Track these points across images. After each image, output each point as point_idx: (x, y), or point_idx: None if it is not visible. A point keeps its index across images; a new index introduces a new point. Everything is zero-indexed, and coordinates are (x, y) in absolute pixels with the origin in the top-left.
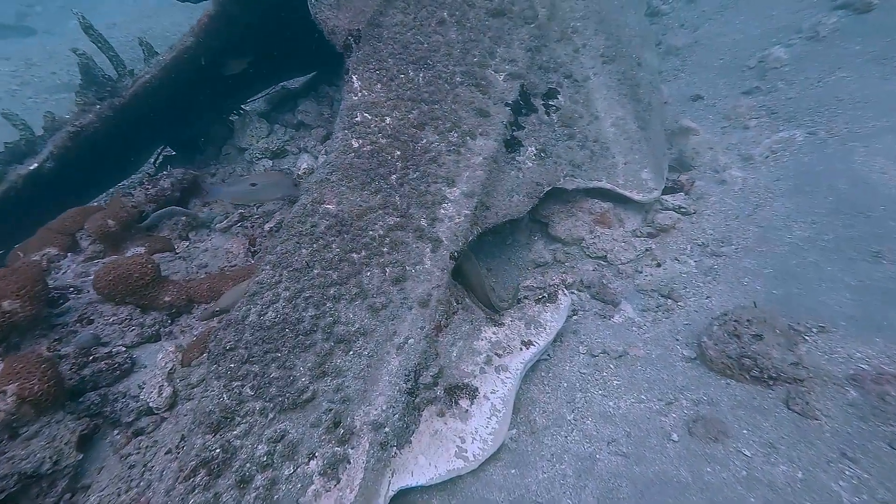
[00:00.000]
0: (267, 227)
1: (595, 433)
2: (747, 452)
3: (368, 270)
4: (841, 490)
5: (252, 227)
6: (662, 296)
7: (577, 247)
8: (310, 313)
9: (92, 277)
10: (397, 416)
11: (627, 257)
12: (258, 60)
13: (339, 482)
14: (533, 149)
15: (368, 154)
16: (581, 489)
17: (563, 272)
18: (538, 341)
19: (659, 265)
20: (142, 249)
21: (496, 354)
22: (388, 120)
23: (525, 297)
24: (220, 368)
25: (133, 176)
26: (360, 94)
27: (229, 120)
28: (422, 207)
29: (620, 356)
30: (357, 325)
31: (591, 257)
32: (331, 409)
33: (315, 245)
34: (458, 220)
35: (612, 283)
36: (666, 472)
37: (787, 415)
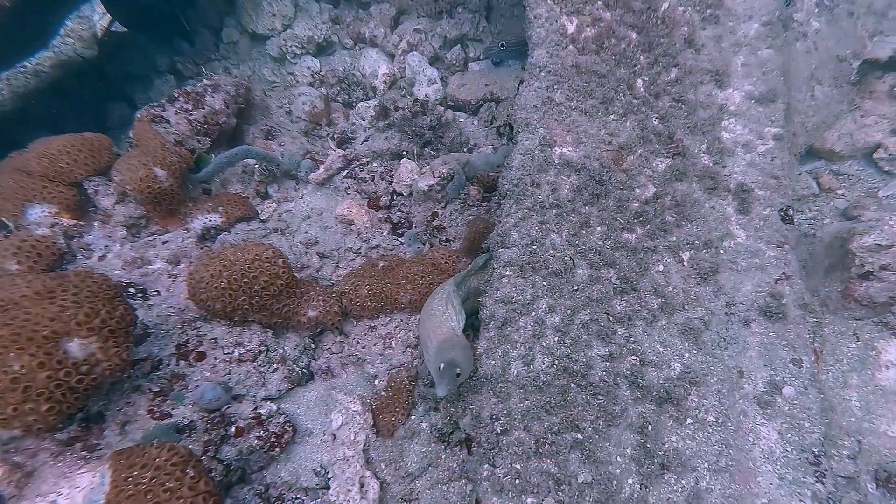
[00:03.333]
0: (424, 183)
1: None
2: None
3: (658, 261)
4: None
5: (370, 178)
6: None
7: (862, 162)
8: (597, 351)
9: (183, 277)
10: None
11: None
12: None
13: None
14: None
15: (594, 42)
16: None
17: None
18: None
19: None
20: (217, 218)
21: None
22: None
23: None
24: (497, 472)
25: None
26: None
27: None
28: (695, 132)
29: None
30: (678, 367)
31: None
32: None
33: (566, 223)
34: (762, 149)
35: None
36: None
37: None
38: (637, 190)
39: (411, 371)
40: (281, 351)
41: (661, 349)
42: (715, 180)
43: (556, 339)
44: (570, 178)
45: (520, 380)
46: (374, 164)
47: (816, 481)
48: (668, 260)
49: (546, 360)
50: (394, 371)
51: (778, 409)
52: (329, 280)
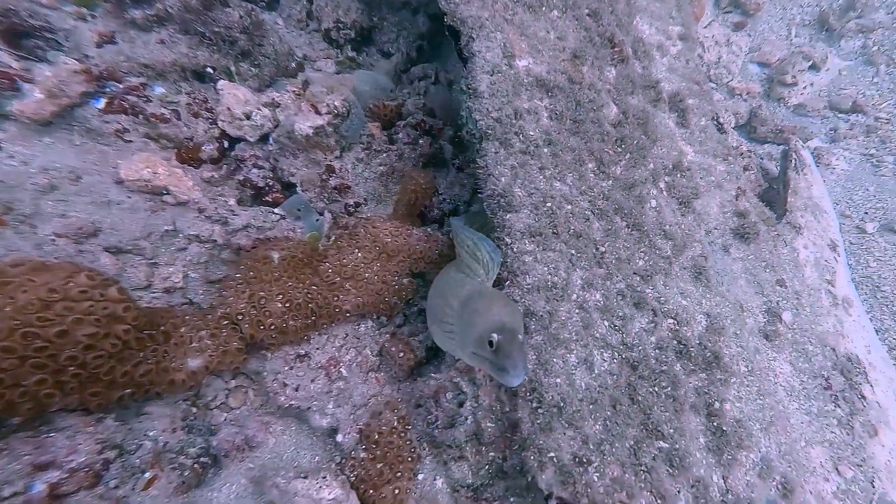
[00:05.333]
0: (306, 124)
1: None
2: None
3: (648, 194)
4: None
5: (173, 115)
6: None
7: None
8: (640, 323)
9: None
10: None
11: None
12: None
13: None
14: None
15: None
16: None
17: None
18: None
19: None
20: None
21: None
22: None
23: None
24: None
25: None
26: None
27: None
28: (622, 30)
29: None
30: (702, 319)
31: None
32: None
33: (564, 165)
34: (674, 51)
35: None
36: None
37: None
38: (604, 110)
39: (396, 405)
40: (147, 443)
41: (684, 301)
42: (656, 91)
43: (606, 324)
44: (544, 102)
45: (590, 393)
46: (160, 90)
47: (835, 406)
48: (654, 191)
49: (605, 355)
50: (363, 413)
51: (783, 339)
52: (150, 287)
